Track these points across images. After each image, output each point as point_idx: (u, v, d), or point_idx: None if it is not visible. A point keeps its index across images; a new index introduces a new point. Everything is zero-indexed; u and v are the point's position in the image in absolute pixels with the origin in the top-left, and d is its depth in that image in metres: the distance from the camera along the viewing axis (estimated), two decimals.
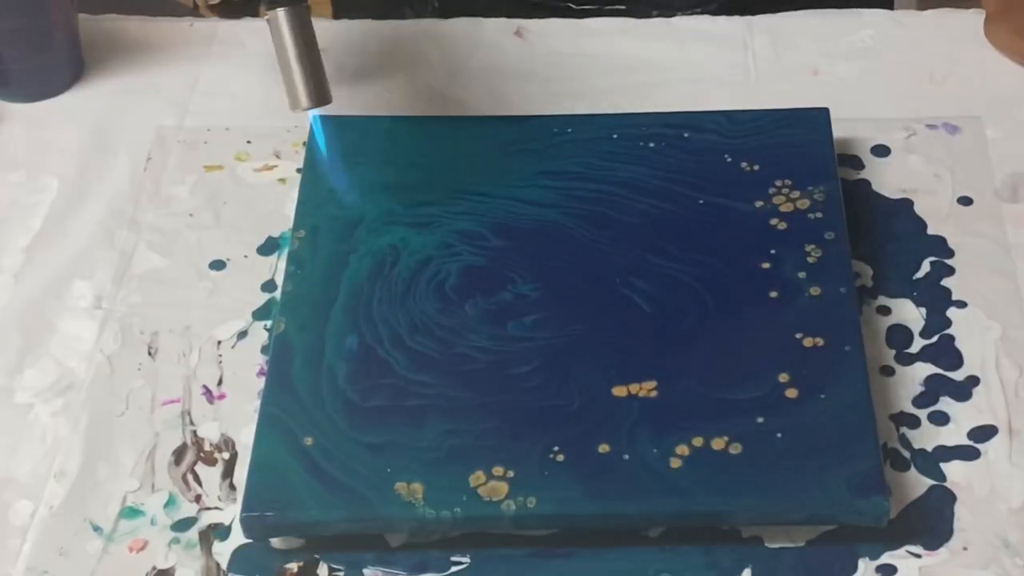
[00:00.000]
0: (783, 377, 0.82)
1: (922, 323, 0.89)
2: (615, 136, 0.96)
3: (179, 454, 0.85)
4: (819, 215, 0.91)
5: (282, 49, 0.79)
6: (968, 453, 0.83)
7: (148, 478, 0.84)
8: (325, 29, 1.11)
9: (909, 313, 0.90)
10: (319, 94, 0.82)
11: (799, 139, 0.95)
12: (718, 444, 0.79)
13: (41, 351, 0.90)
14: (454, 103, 1.04)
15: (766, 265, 0.88)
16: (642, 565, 0.79)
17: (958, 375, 0.86)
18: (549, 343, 0.85)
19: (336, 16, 1.24)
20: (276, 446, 0.81)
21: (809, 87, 1.04)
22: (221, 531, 0.82)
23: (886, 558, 0.79)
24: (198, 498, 0.83)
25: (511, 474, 0.78)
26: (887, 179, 0.98)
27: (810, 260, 0.88)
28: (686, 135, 0.96)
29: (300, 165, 0.97)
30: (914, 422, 0.84)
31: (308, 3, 0.80)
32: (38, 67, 1.06)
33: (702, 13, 1.10)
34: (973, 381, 0.86)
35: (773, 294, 0.87)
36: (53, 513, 0.83)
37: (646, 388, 0.82)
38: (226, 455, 0.85)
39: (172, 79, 1.08)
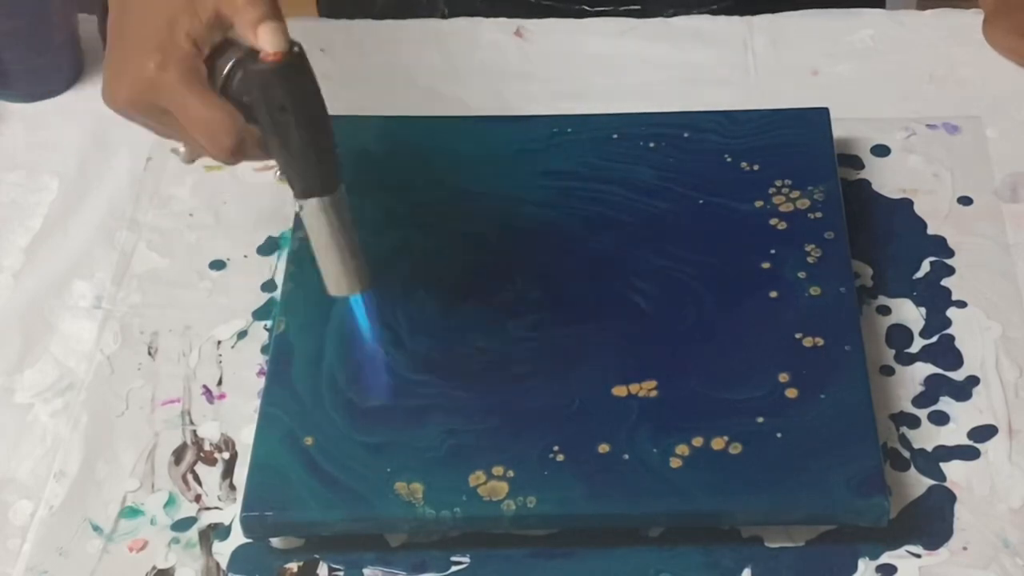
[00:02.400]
0: (783, 377, 0.82)
1: (922, 323, 0.89)
2: (615, 136, 0.96)
3: (179, 454, 0.85)
4: (819, 215, 0.91)
5: (316, 238, 0.77)
6: (968, 453, 0.83)
7: (148, 478, 0.84)
8: (325, 29, 1.11)
9: (909, 313, 0.90)
10: (359, 281, 0.79)
11: (799, 139, 0.95)
12: (718, 444, 0.79)
13: (41, 351, 0.91)
14: (454, 103, 1.04)
15: (766, 265, 0.88)
16: (642, 565, 0.79)
17: (958, 375, 0.86)
18: (549, 343, 0.85)
19: (320, 14, 1.24)
20: (276, 446, 0.81)
21: (809, 87, 1.04)
22: (221, 531, 0.82)
23: (886, 558, 0.79)
24: (198, 498, 0.83)
25: (511, 474, 0.78)
26: (887, 179, 0.98)
27: (810, 260, 0.88)
28: (686, 135, 0.96)
29: None
30: (914, 422, 0.84)
31: (342, 191, 0.76)
32: (38, 67, 1.06)
33: (717, 13, 1.10)
34: (973, 381, 0.86)
35: (773, 294, 0.87)
36: (53, 513, 0.83)
37: (646, 388, 0.82)
38: (226, 455, 0.85)
39: None
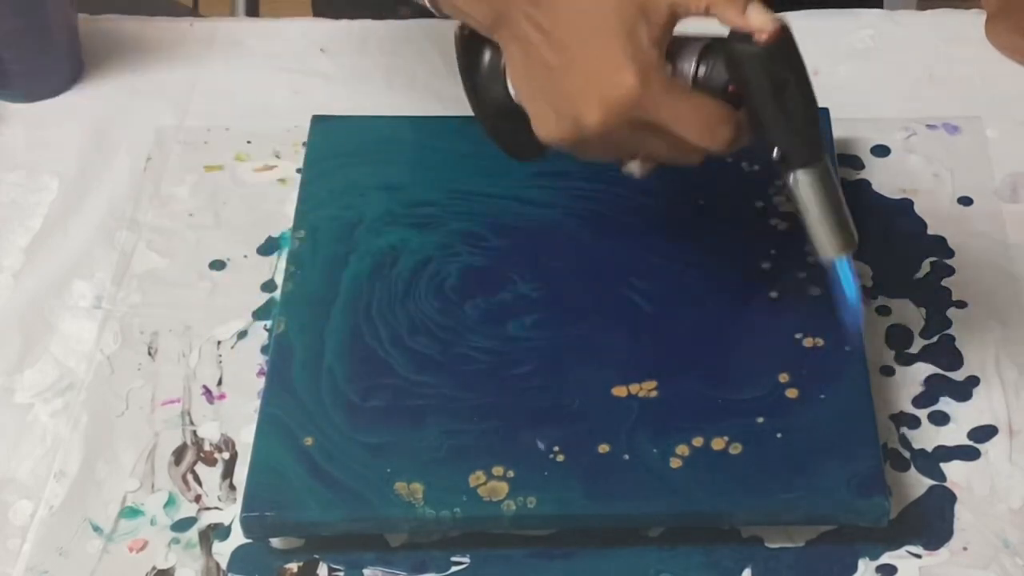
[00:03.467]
0: (783, 377, 0.82)
1: (922, 323, 0.89)
2: None
3: (179, 454, 0.85)
4: None
5: (810, 206, 0.77)
6: (968, 453, 0.83)
7: (148, 478, 0.84)
8: (325, 29, 1.11)
9: (909, 313, 0.90)
10: (850, 240, 0.78)
11: None
12: (718, 444, 0.79)
13: (41, 351, 0.90)
14: (454, 103, 1.04)
15: (766, 265, 0.88)
16: (642, 565, 0.79)
17: (958, 375, 0.86)
18: (549, 343, 0.85)
19: (316, 14, 1.24)
20: (276, 446, 0.81)
21: None
22: (221, 531, 0.82)
23: (886, 558, 0.79)
24: (198, 498, 0.83)
25: (511, 474, 0.78)
26: (887, 179, 0.98)
27: (810, 260, 0.88)
28: None
29: (300, 165, 0.97)
30: (914, 422, 0.84)
31: (826, 161, 0.77)
32: (38, 67, 1.06)
33: None
34: (973, 381, 0.86)
35: (773, 294, 0.87)
36: (53, 513, 0.83)
37: (646, 388, 0.82)
38: (226, 455, 0.85)
39: (172, 79, 1.08)
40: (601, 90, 0.74)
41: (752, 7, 0.73)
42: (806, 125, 0.76)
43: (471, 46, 0.82)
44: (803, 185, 0.77)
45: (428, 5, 0.83)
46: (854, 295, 0.79)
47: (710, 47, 0.76)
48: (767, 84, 0.74)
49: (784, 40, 0.74)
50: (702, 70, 0.76)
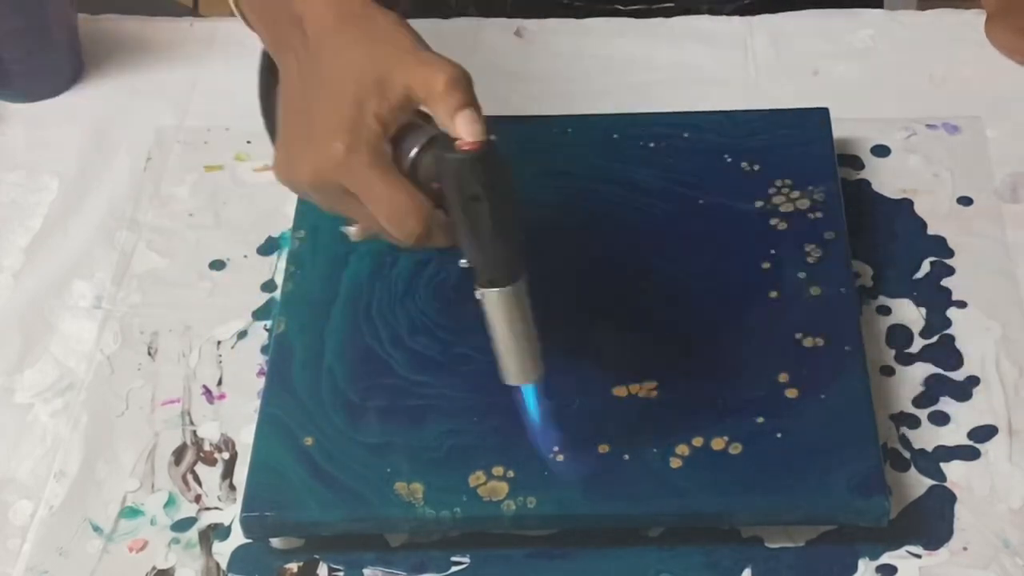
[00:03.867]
0: (783, 377, 0.82)
1: (922, 323, 0.89)
2: (615, 136, 0.96)
3: (179, 454, 0.85)
4: (819, 215, 0.91)
5: (495, 326, 0.75)
6: (968, 453, 0.83)
7: (148, 478, 0.84)
8: None
9: (909, 313, 0.90)
10: (533, 371, 0.77)
11: (799, 139, 0.95)
12: (718, 444, 0.79)
13: (41, 351, 0.91)
14: None
15: (766, 265, 0.88)
16: (642, 565, 0.79)
17: (958, 375, 0.86)
18: (549, 343, 0.85)
19: None
20: (276, 446, 0.81)
21: (809, 87, 1.04)
22: (221, 531, 0.82)
23: (886, 558, 0.79)
24: (198, 498, 0.83)
25: (511, 474, 0.78)
26: (887, 179, 0.98)
27: (810, 260, 0.88)
28: (686, 135, 0.96)
29: None
30: (914, 422, 0.84)
31: (523, 280, 0.74)
32: (38, 67, 1.06)
33: (744, 12, 1.10)
34: (973, 381, 0.86)
35: (773, 294, 0.87)
36: (53, 513, 0.83)
37: (646, 388, 0.82)
38: (226, 455, 0.85)
39: (172, 79, 1.08)
40: (314, 149, 0.73)
41: (465, 113, 0.71)
42: (496, 245, 0.73)
43: (271, 66, 0.80)
44: (488, 305, 0.75)
45: (244, 22, 0.82)
46: (538, 423, 0.78)
47: (434, 140, 0.73)
48: (457, 194, 0.71)
49: (487, 155, 0.71)
50: (416, 160, 0.73)
